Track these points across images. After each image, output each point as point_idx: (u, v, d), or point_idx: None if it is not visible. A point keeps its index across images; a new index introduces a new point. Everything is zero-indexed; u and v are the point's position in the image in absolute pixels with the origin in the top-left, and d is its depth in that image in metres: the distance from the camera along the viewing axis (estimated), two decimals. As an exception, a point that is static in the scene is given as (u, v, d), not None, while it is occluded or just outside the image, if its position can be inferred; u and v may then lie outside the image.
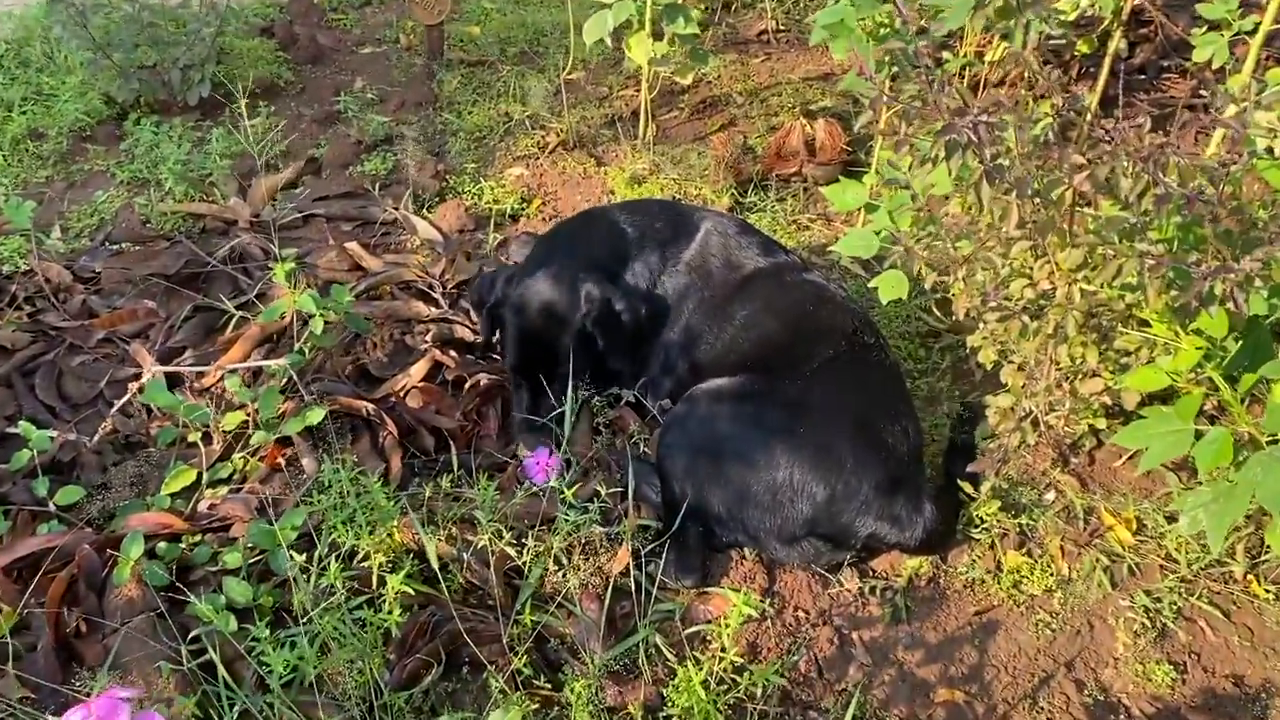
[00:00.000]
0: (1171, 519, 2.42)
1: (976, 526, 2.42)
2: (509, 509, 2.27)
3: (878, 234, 2.57)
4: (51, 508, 2.35)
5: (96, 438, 2.58)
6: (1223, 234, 1.61)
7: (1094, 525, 2.45)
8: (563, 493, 2.11)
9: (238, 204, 3.52)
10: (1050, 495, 2.51)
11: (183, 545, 2.27)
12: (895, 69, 2.40)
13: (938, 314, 2.97)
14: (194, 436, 2.51)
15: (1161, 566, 2.36)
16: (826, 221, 3.54)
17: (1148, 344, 2.11)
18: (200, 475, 2.44)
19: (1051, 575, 2.34)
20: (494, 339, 2.80)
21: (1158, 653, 2.20)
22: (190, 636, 2.01)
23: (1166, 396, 2.24)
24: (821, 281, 2.69)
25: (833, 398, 2.37)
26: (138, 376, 2.75)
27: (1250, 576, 2.32)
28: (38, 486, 2.37)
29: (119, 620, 2.09)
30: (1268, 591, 2.30)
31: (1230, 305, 1.58)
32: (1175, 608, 2.27)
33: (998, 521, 2.42)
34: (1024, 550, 2.39)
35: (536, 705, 2.00)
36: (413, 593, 2.10)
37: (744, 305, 2.64)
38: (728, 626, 2.02)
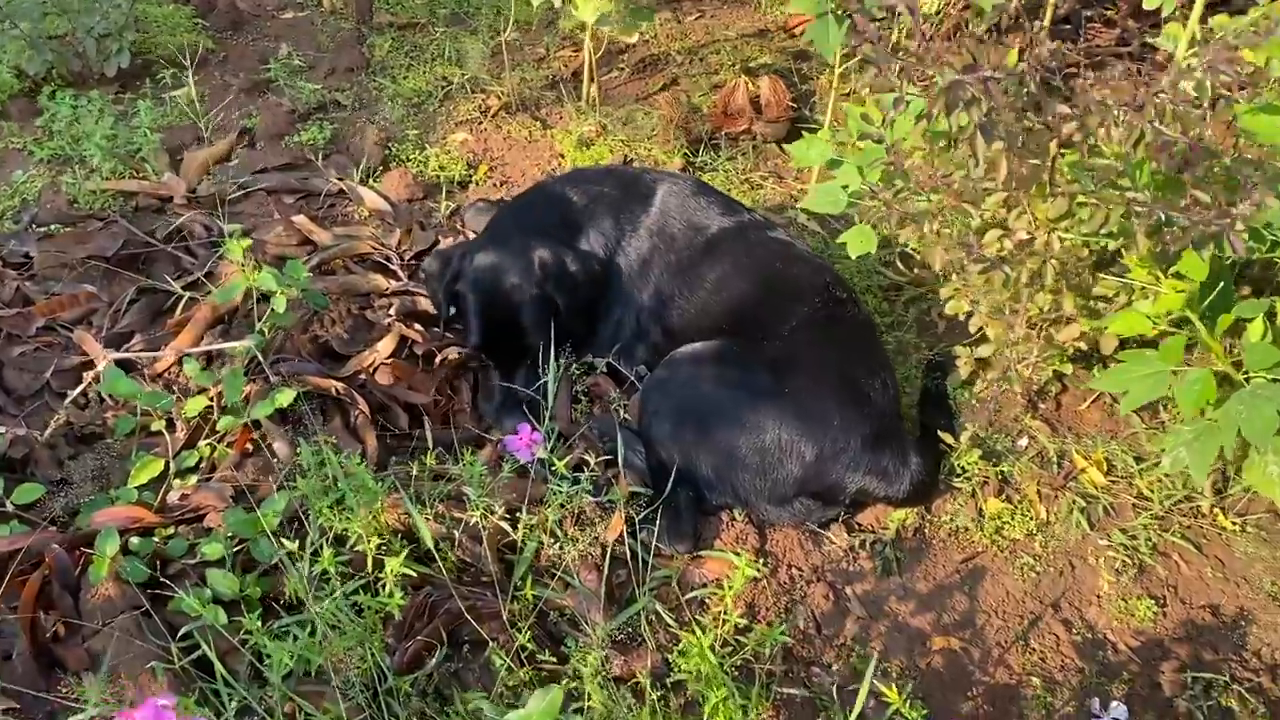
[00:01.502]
0: (1140, 459, 2.49)
1: (957, 475, 2.46)
2: (497, 485, 2.22)
3: (845, 189, 2.57)
4: (10, 507, 2.23)
5: (48, 431, 2.45)
6: (1220, 181, 1.64)
7: (1067, 468, 2.50)
8: (553, 464, 2.08)
9: (172, 180, 3.36)
10: (1024, 441, 2.56)
11: (155, 539, 2.18)
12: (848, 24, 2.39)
13: (900, 267, 2.99)
14: (157, 424, 2.41)
15: (1134, 505, 2.43)
16: (779, 179, 3.53)
17: (1126, 289, 2.15)
18: (167, 465, 2.34)
19: (1031, 519, 2.39)
20: (452, 318, 2.72)
21: (1138, 588, 2.26)
22: (181, 633, 1.93)
23: (1140, 341, 2.29)
24: (788, 239, 2.68)
25: (814, 356, 2.38)
26: (85, 365, 2.63)
27: (1217, 510, 2.41)
28: (-8, 486, 2.25)
29: (99, 621, 2.00)
30: (1233, 524, 2.38)
31: (1230, 249, 1.62)
32: (1151, 544, 2.34)
33: (977, 469, 2.46)
34: (1003, 496, 2.44)
35: (543, 678, 1.98)
36: (412, 575, 2.05)
37: (713, 267, 2.62)
38: (730, 589, 2.02)
